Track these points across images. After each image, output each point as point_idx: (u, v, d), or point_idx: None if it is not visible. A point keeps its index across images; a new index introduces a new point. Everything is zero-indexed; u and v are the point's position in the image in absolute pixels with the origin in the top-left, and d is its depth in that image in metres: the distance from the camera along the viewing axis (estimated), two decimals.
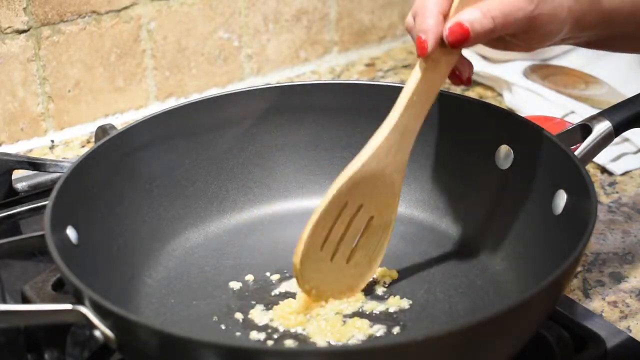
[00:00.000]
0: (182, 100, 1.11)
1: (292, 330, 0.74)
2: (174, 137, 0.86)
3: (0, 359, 0.76)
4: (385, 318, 0.76)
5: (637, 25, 0.78)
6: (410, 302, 0.77)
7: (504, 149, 0.83)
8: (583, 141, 0.81)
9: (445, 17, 0.72)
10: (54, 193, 0.74)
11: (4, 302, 0.80)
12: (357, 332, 0.74)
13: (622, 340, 0.76)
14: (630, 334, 0.78)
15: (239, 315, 0.76)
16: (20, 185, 0.99)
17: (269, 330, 0.74)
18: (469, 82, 0.76)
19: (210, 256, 0.84)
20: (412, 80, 0.73)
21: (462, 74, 0.76)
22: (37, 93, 1.09)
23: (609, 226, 0.92)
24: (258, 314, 0.76)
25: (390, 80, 1.22)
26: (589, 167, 0.90)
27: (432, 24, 0.71)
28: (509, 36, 0.74)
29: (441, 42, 0.72)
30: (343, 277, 0.76)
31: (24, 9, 1.05)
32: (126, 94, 1.14)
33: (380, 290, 0.79)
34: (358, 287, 0.77)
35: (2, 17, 1.04)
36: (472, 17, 0.71)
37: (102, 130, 0.96)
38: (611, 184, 0.99)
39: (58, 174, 0.96)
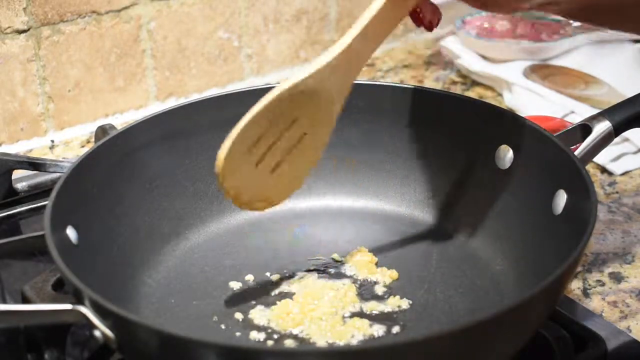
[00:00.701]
0: (182, 100, 1.11)
1: (292, 331, 0.74)
2: (174, 137, 0.86)
3: (0, 358, 0.76)
4: (385, 318, 0.76)
5: None
6: (410, 302, 0.77)
7: (504, 149, 0.83)
8: (583, 141, 0.81)
9: None
10: (54, 193, 0.74)
11: (4, 302, 0.80)
12: (357, 332, 0.74)
13: (622, 340, 0.76)
14: (630, 334, 0.78)
15: (239, 315, 0.76)
16: (20, 185, 0.99)
17: (269, 330, 0.74)
18: (430, 27, 0.74)
19: (210, 256, 0.84)
20: (373, 6, 0.72)
21: (424, 15, 0.74)
22: (37, 93, 1.09)
23: (609, 226, 0.92)
24: (258, 314, 0.76)
25: (390, 80, 1.22)
26: (589, 167, 0.90)
27: None
28: None
29: None
30: (264, 186, 0.75)
31: (24, 9, 1.05)
32: (126, 94, 1.14)
33: (380, 290, 0.79)
34: (277, 199, 0.77)
35: (2, 17, 1.04)
36: None
37: (102, 130, 0.96)
38: (611, 184, 0.99)
39: (58, 174, 0.96)
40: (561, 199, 0.77)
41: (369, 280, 0.80)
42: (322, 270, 0.81)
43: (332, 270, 0.81)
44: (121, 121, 1.13)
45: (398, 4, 0.72)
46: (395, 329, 0.74)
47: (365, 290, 0.79)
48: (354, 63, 0.73)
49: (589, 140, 0.81)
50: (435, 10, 0.74)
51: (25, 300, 0.77)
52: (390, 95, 0.88)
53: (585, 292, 0.84)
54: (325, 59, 0.72)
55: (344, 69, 0.73)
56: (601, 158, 1.01)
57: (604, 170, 1.01)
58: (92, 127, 1.09)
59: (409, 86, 0.88)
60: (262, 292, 0.79)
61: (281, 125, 0.73)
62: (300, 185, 0.77)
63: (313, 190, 0.89)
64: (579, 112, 1.09)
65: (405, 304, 0.77)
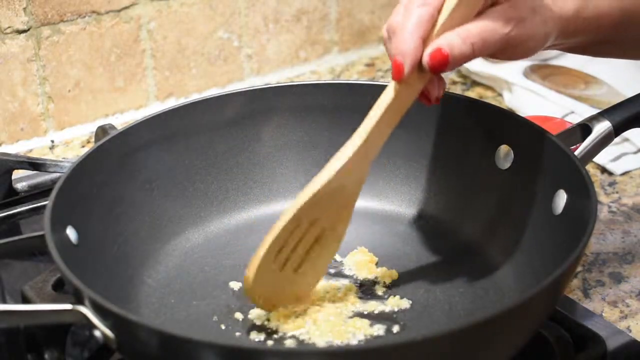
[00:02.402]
0: (182, 100, 1.11)
1: (292, 331, 0.74)
2: (174, 137, 0.86)
3: (0, 359, 0.76)
4: (385, 318, 0.75)
5: (625, 31, 0.78)
6: (410, 302, 0.77)
7: (504, 149, 0.83)
8: (583, 141, 0.81)
9: (425, 40, 0.70)
10: (54, 193, 0.74)
11: (4, 302, 0.80)
12: (357, 332, 0.74)
13: (622, 340, 0.76)
14: (630, 334, 0.78)
15: (239, 315, 0.76)
16: (20, 185, 0.99)
17: (269, 331, 0.74)
18: (437, 102, 0.74)
19: (210, 256, 0.84)
20: (383, 100, 0.72)
21: (430, 94, 0.73)
22: (37, 93, 1.09)
23: (609, 226, 0.92)
24: (258, 314, 0.76)
25: (390, 81, 1.22)
26: (589, 167, 0.90)
27: (411, 47, 0.69)
28: (487, 56, 0.73)
29: (418, 66, 0.70)
30: (290, 286, 0.75)
31: (24, 9, 1.05)
32: (126, 94, 1.14)
33: (380, 290, 0.79)
34: (305, 295, 0.76)
35: (2, 17, 1.04)
36: (452, 42, 0.69)
37: (102, 130, 0.96)
38: (611, 184, 0.99)
39: (58, 174, 0.96)
40: (561, 199, 0.77)
41: (369, 280, 0.80)
42: None
43: (332, 270, 0.81)
44: (121, 121, 1.13)
45: (408, 91, 0.72)
46: (395, 329, 0.74)
47: (365, 290, 0.79)
48: (369, 155, 0.74)
49: (589, 140, 0.81)
50: (441, 84, 0.74)
51: (25, 300, 0.77)
52: None
53: (585, 292, 0.84)
54: (340, 162, 0.72)
55: (359, 164, 0.73)
56: (601, 158, 1.01)
57: (604, 170, 1.01)
58: (92, 127, 1.09)
59: None
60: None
61: (303, 229, 0.73)
62: (323, 274, 0.77)
63: None
64: (579, 112, 1.09)
65: (405, 304, 0.77)
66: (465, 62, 0.71)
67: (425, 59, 0.70)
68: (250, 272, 0.72)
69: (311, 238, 0.74)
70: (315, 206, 0.73)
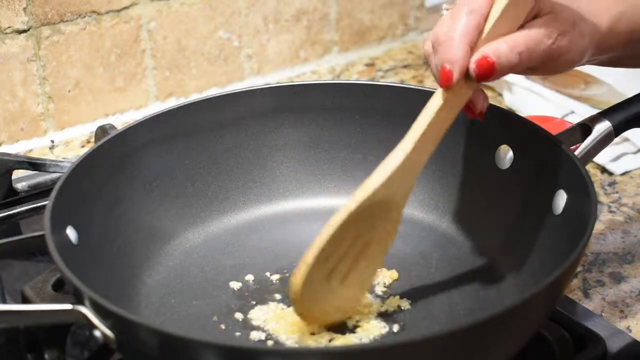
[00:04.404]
0: (182, 100, 1.11)
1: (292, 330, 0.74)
2: (174, 137, 0.86)
3: (0, 359, 0.76)
4: (385, 318, 0.75)
5: None
6: (410, 302, 0.77)
7: (504, 149, 0.83)
8: (583, 141, 0.81)
9: (472, 48, 0.70)
10: (53, 193, 0.74)
11: (4, 302, 0.80)
12: (357, 332, 0.74)
13: (622, 340, 0.76)
14: (630, 334, 0.78)
15: (239, 315, 0.76)
16: (20, 185, 0.99)
17: (269, 331, 0.74)
18: (481, 116, 0.74)
19: (210, 256, 0.84)
20: (431, 107, 0.71)
21: (475, 106, 0.73)
22: (37, 93, 1.09)
23: (609, 226, 0.92)
24: (258, 314, 0.76)
25: (390, 80, 1.22)
26: (589, 167, 0.90)
27: (460, 55, 0.69)
28: (527, 68, 0.73)
29: (465, 74, 0.70)
30: (335, 298, 0.73)
31: (24, 9, 1.05)
32: (126, 94, 1.14)
33: (380, 290, 0.79)
34: (349, 308, 0.75)
35: (2, 17, 1.04)
36: (499, 51, 0.69)
37: (102, 130, 0.96)
38: (611, 184, 0.99)
39: (58, 174, 0.96)
40: (561, 199, 0.77)
41: None
42: None
43: None
44: (121, 121, 1.13)
45: (454, 100, 0.71)
46: (395, 329, 0.74)
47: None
48: (416, 165, 0.72)
49: (589, 140, 0.81)
50: (485, 98, 0.74)
51: (25, 300, 0.76)
52: (390, 95, 0.88)
53: (585, 292, 0.84)
54: (391, 167, 0.71)
55: (407, 173, 0.72)
56: (601, 158, 1.01)
57: (604, 170, 1.01)
58: (92, 127, 1.09)
59: (409, 86, 0.88)
60: (262, 292, 0.79)
61: (350, 239, 0.71)
62: (369, 287, 0.76)
63: (313, 190, 0.89)
64: (579, 112, 1.09)
65: (405, 304, 0.77)
66: (510, 72, 0.71)
67: (472, 66, 0.69)
68: (298, 280, 0.69)
69: (357, 249, 0.72)
70: (361, 216, 0.71)
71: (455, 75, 0.69)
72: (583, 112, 1.08)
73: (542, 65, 0.73)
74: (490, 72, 0.69)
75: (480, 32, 0.70)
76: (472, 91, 0.72)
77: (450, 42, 0.70)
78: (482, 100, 0.73)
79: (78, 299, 0.66)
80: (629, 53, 0.78)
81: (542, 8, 0.72)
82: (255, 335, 0.74)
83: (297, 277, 0.69)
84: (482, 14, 0.70)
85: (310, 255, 0.69)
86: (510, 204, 0.82)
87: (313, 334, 0.73)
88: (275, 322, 0.75)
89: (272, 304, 0.77)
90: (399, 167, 0.71)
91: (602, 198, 0.97)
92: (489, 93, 1.18)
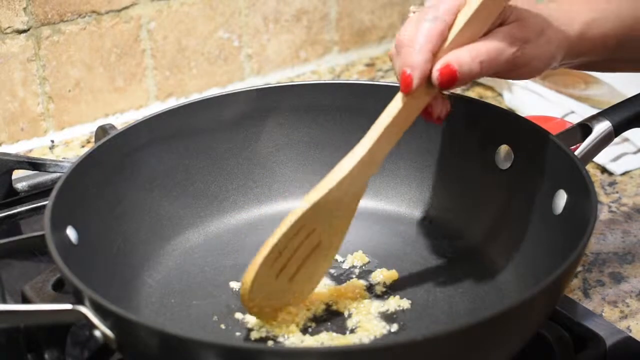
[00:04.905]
0: (182, 100, 1.11)
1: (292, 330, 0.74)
2: (174, 137, 0.86)
3: (0, 358, 0.76)
4: (385, 318, 0.76)
5: (630, 48, 0.78)
6: (410, 302, 0.77)
7: (504, 149, 0.83)
8: (583, 141, 0.81)
9: (434, 55, 0.70)
10: (54, 193, 0.74)
11: (4, 302, 0.80)
12: (357, 332, 0.74)
13: (622, 340, 0.76)
14: (630, 334, 0.78)
15: (239, 315, 0.76)
16: (20, 185, 0.99)
17: (269, 331, 0.74)
18: (440, 121, 0.74)
19: (210, 256, 0.84)
20: (389, 112, 0.72)
21: (433, 111, 0.74)
22: (37, 93, 1.09)
23: (609, 226, 0.92)
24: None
25: (390, 80, 1.22)
26: (589, 167, 0.90)
27: (421, 60, 0.70)
28: (494, 74, 0.73)
29: (426, 80, 0.70)
30: (284, 293, 0.74)
31: (24, 9, 1.05)
32: (126, 94, 1.14)
33: (380, 290, 0.79)
34: (298, 301, 0.76)
35: (2, 17, 1.04)
36: (461, 59, 0.70)
37: (102, 130, 0.96)
38: (611, 184, 0.99)
39: (58, 174, 0.96)
40: (561, 199, 0.77)
41: (369, 280, 0.80)
42: None
43: (332, 271, 0.81)
44: (121, 121, 1.13)
45: (413, 105, 0.72)
46: (395, 329, 0.74)
47: (365, 291, 0.79)
48: (369, 168, 0.74)
49: (589, 140, 0.81)
50: (445, 104, 0.74)
51: (25, 300, 0.77)
52: (390, 95, 0.88)
53: (585, 292, 0.84)
54: (343, 171, 0.72)
55: (360, 175, 0.73)
56: (601, 158, 1.01)
57: (604, 170, 1.01)
58: (92, 127, 1.09)
59: None
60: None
61: (300, 238, 0.73)
62: (317, 284, 0.77)
63: None
64: (579, 112, 1.09)
65: (405, 304, 0.77)
66: (472, 79, 0.71)
67: (435, 74, 0.70)
68: (248, 279, 0.71)
69: (308, 248, 0.74)
70: (315, 215, 0.73)
71: (416, 81, 0.70)
72: (583, 112, 1.08)
73: (507, 72, 0.73)
74: (452, 80, 0.70)
75: (444, 39, 0.70)
76: (431, 97, 0.73)
77: (412, 47, 0.70)
78: (440, 106, 0.74)
79: (78, 299, 0.66)
80: (601, 58, 0.78)
81: (507, 16, 0.72)
82: (255, 335, 0.74)
83: (247, 279, 0.71)
84: (447, 21, 0.70)
85: (259, 257, 0.71)
86: (510, 204, 0.82)
87: (313, 334, 0.73)
88: (276, 322, 0.75)
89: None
90: (352, 169, 0.72)
91: (602, 198, 0.97)
92: (488, 93, 1.18)
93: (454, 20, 0.71)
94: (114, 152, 0.82)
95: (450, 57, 0.70)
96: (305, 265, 0.74)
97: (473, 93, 1.18)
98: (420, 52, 0.70)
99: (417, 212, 0.88)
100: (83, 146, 1.10)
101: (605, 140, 0.81)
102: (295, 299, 0.75)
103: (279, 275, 0.73)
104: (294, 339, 0.73)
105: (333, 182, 0.73)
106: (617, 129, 0.82)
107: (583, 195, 0.72)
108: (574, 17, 0.75)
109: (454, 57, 0.70)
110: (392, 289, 0.79)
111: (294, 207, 0.89)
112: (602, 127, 0.81)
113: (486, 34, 0.71)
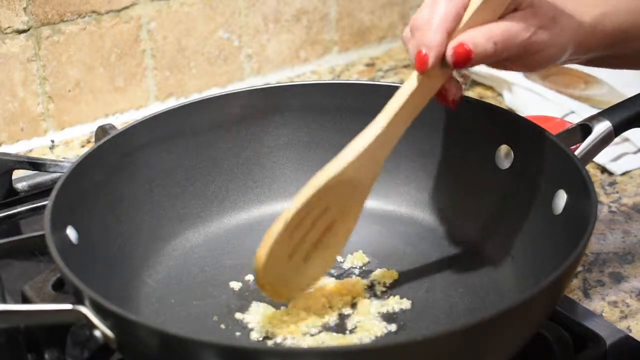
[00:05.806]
0: (182, 100, 1.11)
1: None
2: (174, 137, 0.86)
3: (0, 359, 0.76)
4: (385, 318, 0.76)
5: (635, 44, 0.78)
6: (410, 302, 0.77)
7: (504, 149, 0.83)
8: (583, 141, 0.81)
9: (450, 35, 0.71)
10: (54, 193, 0.74)
11: (4, 302, 0.80)
12: (357, 332, 0.74)
13: (622, 340, 0.76)
14: (630, 334, 0.78)
15: (239, 315, 0.76)
16: (20, 185, 0.99)
17: (269, 331, 0.74)
18: (454, 104, 0.75)
19: (210, 256, 0.84)
20: (404, 91, 0.72)
21: (448, 93, 0.74)
22: (37, 93, 1.09)
23: (609, 226, 0.92)
24: (258, 314, 0.76)
25: (390, 80, 1.22)
26: (589, 167, 0.90)
27: (437, 40, 0.70)
28: (504, 60, 0.73)
29: (441, 60, 0.71)
30: (297, 276, 0.74)
31: (24, 9, 1.05)
32: (126, 94, 1.14)
33: (380, 290, 0.79)
34: (308, 286, 0.76)
35: (2, 17, 1.04)
36: (476, 39, 0.70)
37: (102, 130, 0.96)
38: (611, 184, 0.99)
39: (58, 174, 0.96)
40: (561, 199, 0.77)
41: (368, 280, 0.80)
42: None
43: (332, 271, 0.81)
44: (121, 121, 1.13)
45: (428, 85, 0.72)
46: (395, 329, 0.74)
47: (365, 290, 0.79)
48: (385, 147, 0.73)
49: (589, 140, 0.81)
50: (459, 87, 0.75)
51: (25, 300, 0.77)
52: (390, 95, 0.88)
53: (585, 292, 0.84)
54: (359, 148, 0.72)
55: (376, 154, 0.73)
56: (601, 158, 1.01)
57: (604, 170, 1.01)
58: (92, 127, 1.09)
59: None
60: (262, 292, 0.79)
61: (314, 216, 0.73)
62: (330, 267, 0.77)
63: None
64: (579, 112, 1.09)
65: (405, 304, 0.77)
66: (486, 60, 0.71)
67: (449, 52, 0.70)
68: (263, 251, 0.70)
69: (321, 227, 0.73)
70: (329, 192, 0.72)
71: (431, 60, 0.70)
72: (583, 112, 1.08)
73: (519, 59, 0.73)
74: (467, 59, 0.70)
75: (459, 20, 0.71)
76: (447, 76, 0.73)
77: (428, 27, 0.70)
78: (454, 89, 0.74)
79: (78, 299, 0.66)
80: (610, 53, 0.78)
81: (521, 2, 0.72)
82: (255, 335, 0.74)
83: (262, 250, 0.70)
84: (462, 2, 0.71)
85: (275, 228, 0.70)
86: (510, 204, 0.82)
87: (313, 334, 0.73)
88: (276, 322, 0.75)
89: (272, 304, 0.77)
90: (370, 144, 0.72)
91: (602, 198, 0.97)
92: (488, 93, 1.18)
93: (468, 1, 0.71)
94: (114, 152, 0.82)
95: (465, 36, 0.70)
96: (318, 247, 0.74)
97: (473, 93, 1.18)
98: (436, 32, 0.70)
99: (417, 212, 0.88)
100: (83, 146, 1.10)
101: (605, 140, 0.81)
102: (307, 281, 0.75)
103: (293, 255, 0.73)
104: (293, 339, 0.73)
105: (348, 160, 0.72)
106: (617, 129, 0.82)
107: (583, 195, 0.72)
108: (587, 9, 0.75)
109: (468, 37, 0.70)
110: (392, 289, 0.79)
111: None
112: (602, 127, 0.81)
113: (501, 18, 0.72)
